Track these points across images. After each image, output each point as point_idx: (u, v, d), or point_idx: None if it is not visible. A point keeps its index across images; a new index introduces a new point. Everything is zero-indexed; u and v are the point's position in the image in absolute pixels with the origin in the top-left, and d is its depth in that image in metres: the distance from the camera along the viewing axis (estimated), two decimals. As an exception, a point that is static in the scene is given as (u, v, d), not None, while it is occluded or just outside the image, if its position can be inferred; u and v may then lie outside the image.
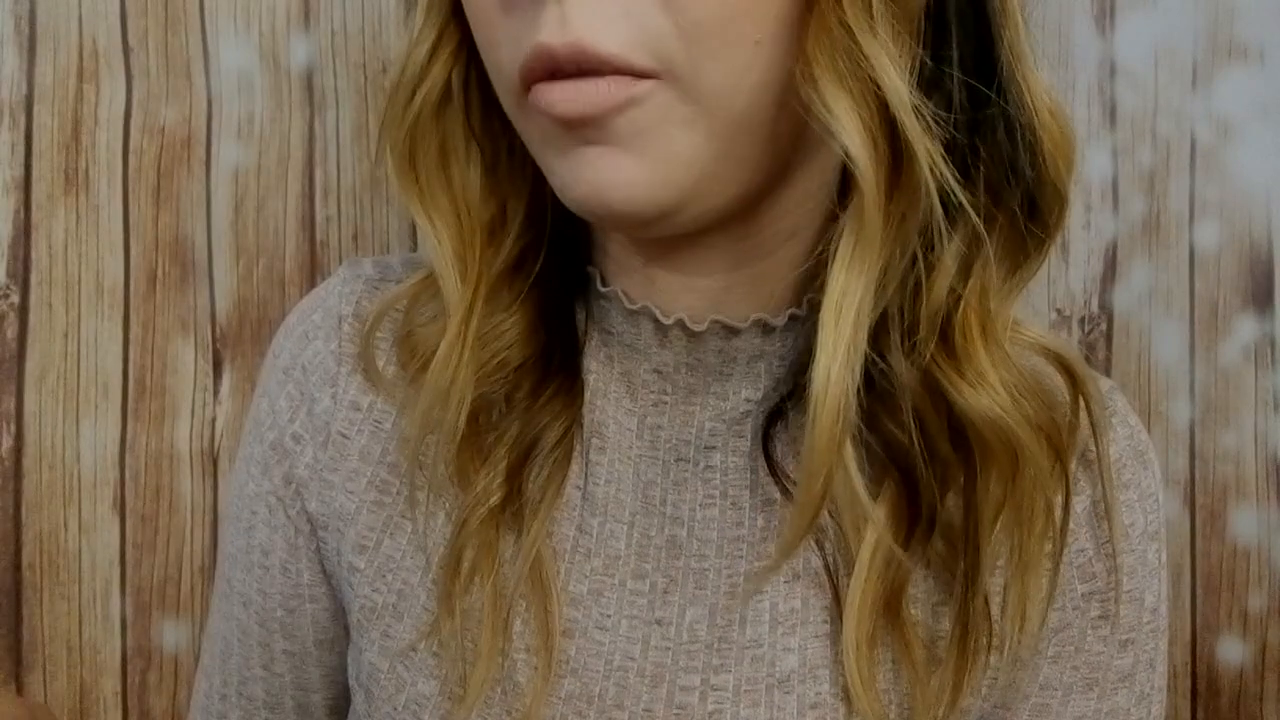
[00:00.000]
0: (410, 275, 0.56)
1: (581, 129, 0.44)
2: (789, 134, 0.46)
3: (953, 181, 0.45)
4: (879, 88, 0.43)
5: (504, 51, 0.46)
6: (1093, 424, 0.52)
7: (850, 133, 0.43)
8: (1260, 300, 0.81)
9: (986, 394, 0.48)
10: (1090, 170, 0.80)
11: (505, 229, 0.53)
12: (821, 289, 0.50)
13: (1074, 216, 0.80)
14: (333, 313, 0.56)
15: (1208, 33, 0.80)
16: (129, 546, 0.79)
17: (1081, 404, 0.51)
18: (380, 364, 0.55)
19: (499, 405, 0.52)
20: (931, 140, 0.44)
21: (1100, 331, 0.81)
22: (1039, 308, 0.81)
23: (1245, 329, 0.81)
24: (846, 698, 0.50)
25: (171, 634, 0.80)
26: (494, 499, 0.51)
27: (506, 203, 0.53)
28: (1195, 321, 0.81)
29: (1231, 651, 0.82)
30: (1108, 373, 0.81)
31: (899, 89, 0.43)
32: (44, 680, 0.79)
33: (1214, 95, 0.80)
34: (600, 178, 0.44)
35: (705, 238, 0.49)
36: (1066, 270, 0.81)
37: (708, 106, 0.44)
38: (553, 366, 0.53)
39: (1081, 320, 0.81)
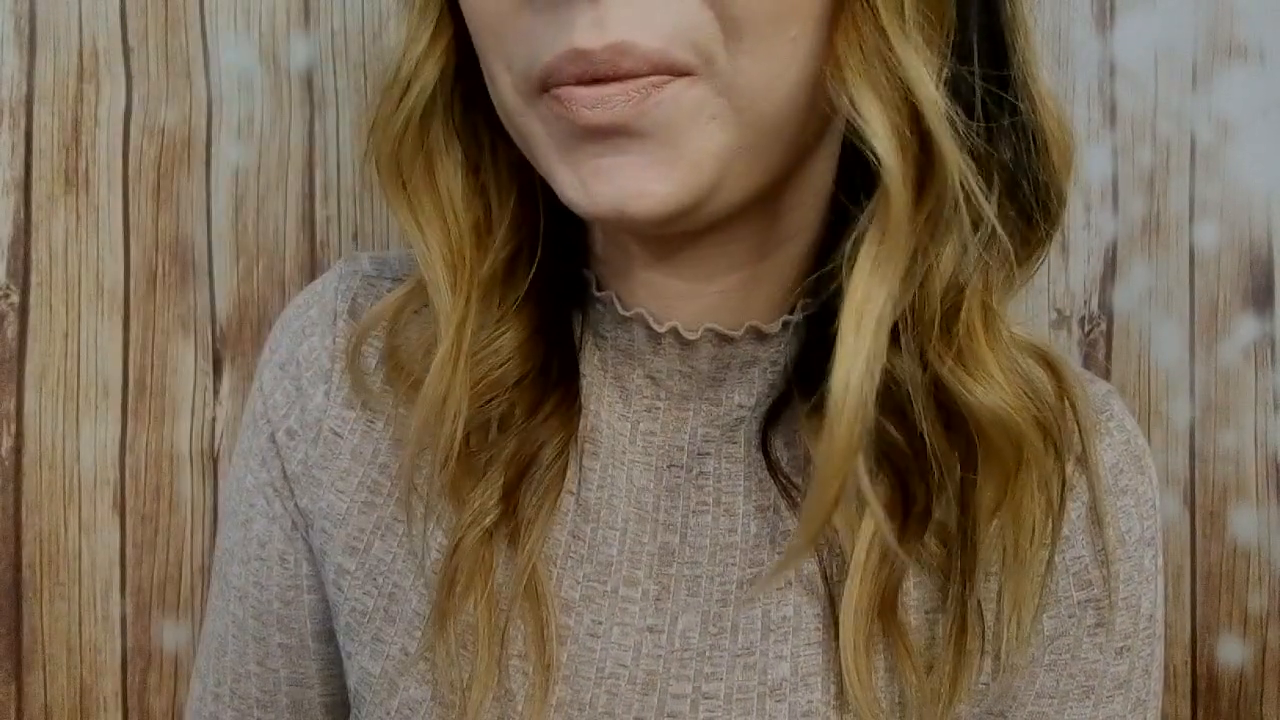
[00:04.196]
0: (406, 272, 0.56)
1: (606, 137, 0.42)
2: (812, 134, 0.46)
3: (976, 187, 0.44)
4: (910, 92, 0.42)
5: (516, 48, 0.43)
6: (1080, 427, 0.52)
7: (881, 136, 0.42)
8: (1260, 300, 0.81)
9: (995, 390, 0.47)
10: (1090, 170, 0.80)
11: (491, 234, 0.51)
12: (817, 294, 0.49)
13: (1074, 216, 0.80)
14: (328, 309, 0.56)
15: (1208, 33, 0.80)
16: (129, 546, 0.79)
17: (1067, 406, 0.51)
18: (371, 366, 0.54)
19: (494, 423, 0.51)
20: (960, 146, 0.43)
21: (1100, 331, 0.81)
22: (1039, 308, 0.81)
23: (1245, 329, 0.81)
24: (839, 705, 0.50)
25: (171, 634, 0.80)
26: (489, 518, 0.50)
27: (491, 207, 0.51)
28: (1195, 321, 0.81)
29: (1231, 652, 0.82)
30: (1108, 372, 0.81)
31: (932, 95, 0.42)
32: (44, 680, 0.79)
33: (1214, 95, 0.80)
34: (618, 189, 0.42)
35: (708, 239, 0.48)
36: (1066, 270, 0.81)
37: (741, 104, 0.43)
38: (551, 381, 0.52)
39: (1081, 320, 0.81)
